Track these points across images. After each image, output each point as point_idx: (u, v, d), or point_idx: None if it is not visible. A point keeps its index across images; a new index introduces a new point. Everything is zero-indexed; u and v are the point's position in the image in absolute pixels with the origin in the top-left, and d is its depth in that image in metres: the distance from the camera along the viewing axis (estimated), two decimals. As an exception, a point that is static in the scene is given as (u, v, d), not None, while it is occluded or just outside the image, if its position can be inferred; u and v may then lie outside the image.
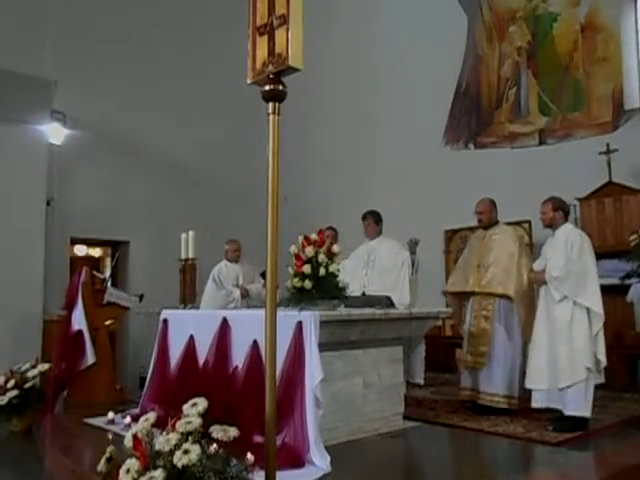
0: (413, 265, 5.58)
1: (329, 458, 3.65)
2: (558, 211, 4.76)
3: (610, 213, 7.48)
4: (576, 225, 7.73)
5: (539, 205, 7.59)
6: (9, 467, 4.02)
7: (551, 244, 4.81)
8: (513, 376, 5.09)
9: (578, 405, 4.39)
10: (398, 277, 5.54)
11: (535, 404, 4.62)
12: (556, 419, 4.51)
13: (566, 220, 4.81)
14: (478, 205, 5.48)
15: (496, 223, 5.48)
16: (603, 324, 4.50)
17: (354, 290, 5.30)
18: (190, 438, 2.50)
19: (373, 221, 5.85)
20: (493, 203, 5.48)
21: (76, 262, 8.67)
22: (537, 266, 4.86)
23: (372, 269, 5.75)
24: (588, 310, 4.43)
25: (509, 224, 6.00)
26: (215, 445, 2.53)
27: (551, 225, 4.80)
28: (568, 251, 4.56)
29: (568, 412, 4.42)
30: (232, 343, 4.55)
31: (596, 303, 4.44)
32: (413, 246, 5.63)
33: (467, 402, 5.37)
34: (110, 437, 2.91)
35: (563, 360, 4.42)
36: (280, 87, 2.37)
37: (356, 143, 10.40)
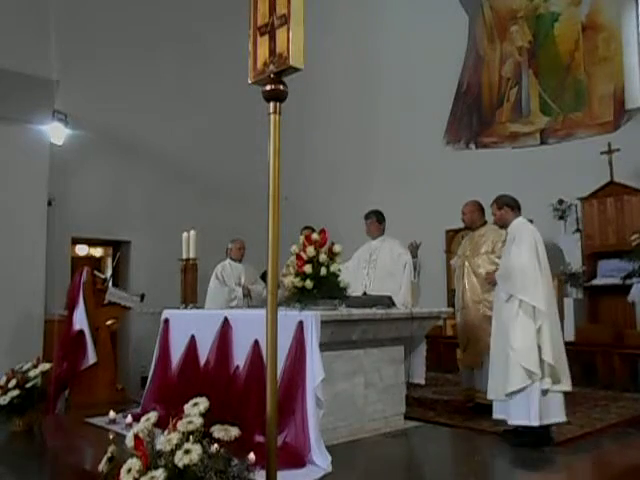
0: (415, 268, 5.56)
1: (330, 458, 3.66)
2: (503, 208, 4.52)
3: (611, 213, 7.48)
4: (577, 224, 7.75)
5: (541, 205, 7.70)
6: (10, 467, 4.02)
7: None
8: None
9: (520, 413, 4.05)
10: (401, 281, 5.48)
11: (494, 414, 4.28)
12: (509, 432, 4.23)
13: (517, 215, 4.50)
14: (463, 207, 5.53)
15: (484, 224, 5.48)
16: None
17: (355, 290, 5.30)
18: (191, 438, 2.50)
19: (376, 220, 5.79)
20: (478, 205, 5.48)
21: (77, 262, 8.68)
22: None
23: (374, 269, 5.71)
24: (534, 309, 4.07)
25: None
26: (216, 445, 2.53)
27: (505, 225, 4.55)
28: (510, 246, 4.35)
29: (511, 421, 4.12)
30: (233, 343, 4.56)
31: (538, 299, 4.06)
32: (414, 250, 5.61)
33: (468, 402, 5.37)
34: (111, 437, 2.91)
35: (509, 364, 4.08)
36: (281, 87, 2.37)
37: (357, 143, 10.40)
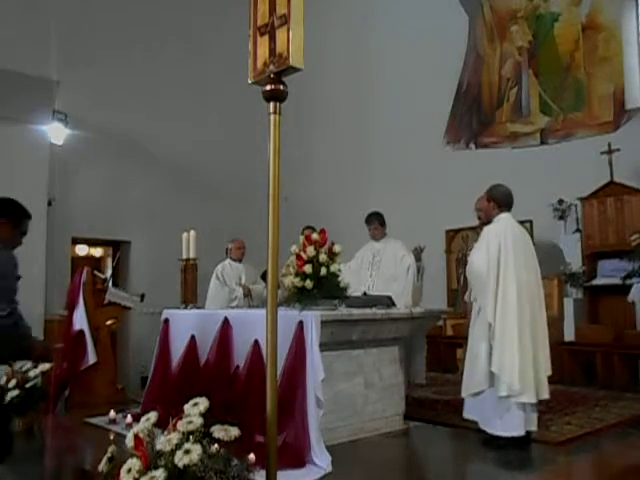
0: (418, 272, 5.54)
1: (330, 458, 3.65)
2: (491, 202, 4.36)
3: (611, 213, 7.48)
4: (577, 224, 7.75)
5: (541, 205, 7.70)
6: (10, 467, 4.02)
7: None
8: None
9: (486, 420, 4.03)
10: (404, 284, 5.46)
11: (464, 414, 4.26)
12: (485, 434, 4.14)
13: (502, 212, 4.31)
14: (477, 202, 5.47)
15: None
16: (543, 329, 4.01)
17: (356, 290, 5.29)
18: (191, 438, 2.49)
19: (379, 224, 5.75)
20: None
21: (77, 262, 8.68)
22: None
23: (377, 270, 5.69)
24: (494, 314, 3.94)
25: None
26: (216, 445, 2.53)
27: (488, 221, 4.39)
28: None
29: (480, 425, 4.12)
30: (233, 343, 4.55)
31: (485, 303, 3.97)
32: (418, 254, 5.58)
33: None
34: (111, 437, 2.90)
35: (472, 366, 4.07)
36: (281, 87, 2.37)
37: (357, 143, 10.40)
